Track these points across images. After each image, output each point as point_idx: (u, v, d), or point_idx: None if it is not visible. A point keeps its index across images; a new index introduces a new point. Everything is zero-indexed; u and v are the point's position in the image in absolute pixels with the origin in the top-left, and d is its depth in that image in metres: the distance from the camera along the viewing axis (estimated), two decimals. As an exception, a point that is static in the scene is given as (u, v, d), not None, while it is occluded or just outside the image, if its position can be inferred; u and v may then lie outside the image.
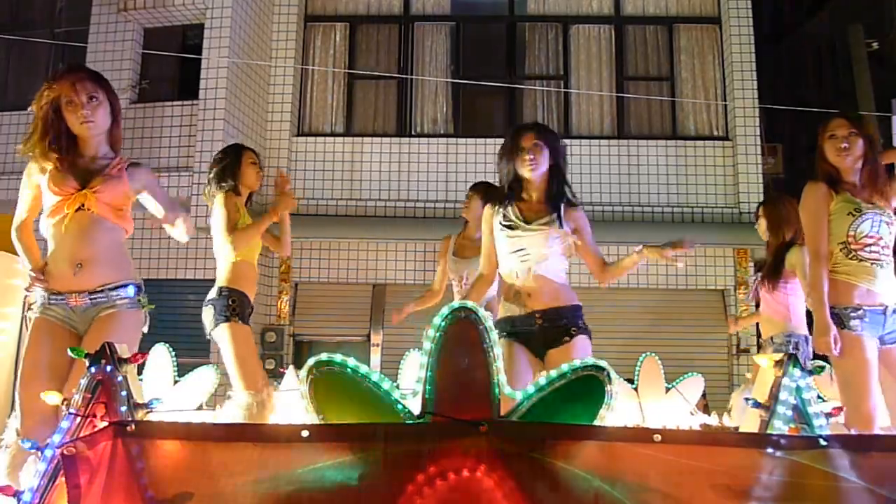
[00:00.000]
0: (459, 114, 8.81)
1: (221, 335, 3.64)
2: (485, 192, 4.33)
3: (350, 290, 8.40)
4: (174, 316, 7.64)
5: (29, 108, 2.85)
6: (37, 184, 2.85)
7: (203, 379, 4.49)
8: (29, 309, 2.83)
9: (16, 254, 2.90)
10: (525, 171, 3.14)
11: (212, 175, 3.92)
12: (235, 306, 3.65)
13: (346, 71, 8.83)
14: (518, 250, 3.13)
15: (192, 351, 7.25)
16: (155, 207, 3.04)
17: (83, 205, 2.76)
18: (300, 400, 3.72)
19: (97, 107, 2.81)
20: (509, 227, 3.15)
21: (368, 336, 8.24)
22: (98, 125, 2.83)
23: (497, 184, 3.42)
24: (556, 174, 3.18)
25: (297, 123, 8.79)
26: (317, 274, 8.37)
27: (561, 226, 3.12)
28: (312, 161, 8.57)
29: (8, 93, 8.94)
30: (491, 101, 9.16)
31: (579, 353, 2.97)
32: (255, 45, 8.38)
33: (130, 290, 2.81)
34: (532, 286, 3.10)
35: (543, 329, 3.05)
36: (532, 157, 3.11)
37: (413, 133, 8.73)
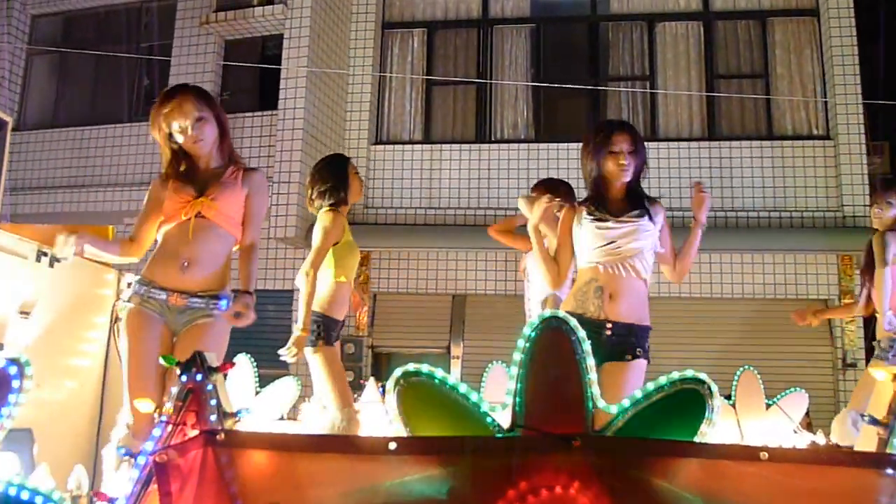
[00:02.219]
0: (540, 118, 8.77)
1: (310, 358, 3.87)
2: (547, 190, 4.25)
3: (429, 300, 8.45)
4: (254, 326, 7.85)
5: (149, 137, 3.06)
6: (158, 198, 2.99)
7: (284, 390, 4.57)
8: (118, 318, 2.97)
9: (108, 265, 3.04)
10: (617, 174, 3.17)
11: (320, 187, 3.94)
12: (321, 331, 3.82)
13: (425, 77, 8.92)
14: (608, 243, 3.11)
15: (273, 362, 7.44)
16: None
17: (199, 212, 2.90)
18: (381, 412, 3.78)
19: (204, 124, 2.95)
20: (599, 219, 3.15)
21: (448, 348, 8.26)
22: (207, 142, 2.98)
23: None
24: (640, 173, 3.25)
25: (375, 131, 8.92)
26: (395, 284, 8.46)
27: (650, 219, 3.15)
28: (391, 169, 8.69)
29: (96, 107, 9.41)
30: (573, 104, 9.07)
31: (634, 376, 2.97)
32: (333, 54, 8.57)
33: (224, 304, 2.92)
34: (616, 287, 3.06)
35: (609, 340, 3.03)
36: (627, 162, 3.15)
37: (493, 139, 8.74)
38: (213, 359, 1.77)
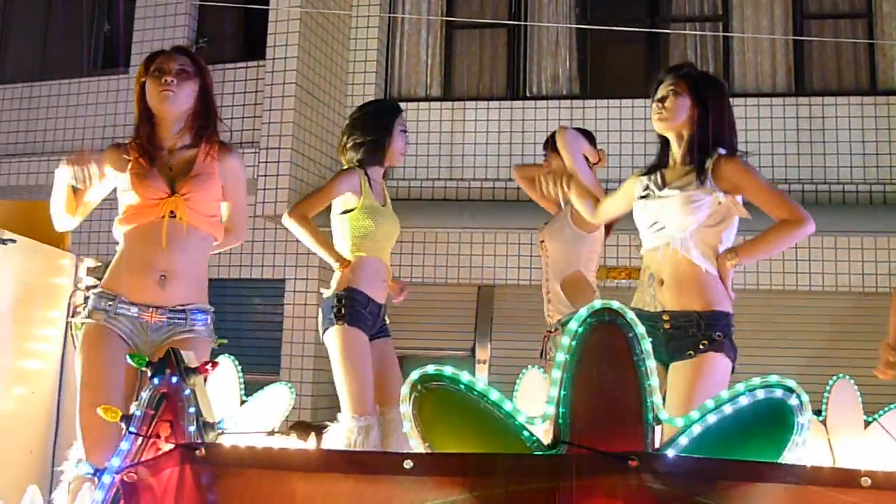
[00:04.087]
0: (587, 70, 8.71)
1: (326, 343, 3.86)
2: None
3: (451, 292, 8.46)
4: (237, 323, 7.92)
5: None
6: (115, 168, 3.02)
7: (275, 399, 4.60)
8: (76, 312, 3.00)
9: (61, 248, 3.04)
10: (656, 124, 3.18)
11: (357, 138, 3.97)
12: (342, 306, 3.80)
13: (444, 19, 8.89)
14: (652, 224, 3.12)
15: (260, 366, 7.52)
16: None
17: (173, 212, 2.91)
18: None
19: (185, 80, 2.97)
20: (644, 196, 3.19)
21: (473, 350, 8.28)
22: (180, 102, 2.97)
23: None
24: (702, 123, 3.11)
25: (385, 87, 8.91)
26: (409, 273, 8.47)
27: (703, 183, 3.04)
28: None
29: (47, 58, 9.46)
30: (627, 52, 9.01)
31: (700, 377, 2.90)
32: (333, -9, 8.56)
33: (207, 318, 2.98)
34: (667, 272, 3.06)
35: (668, 335, 3.02)
36: (661, 105, 3.12)
37: (528, 95, 8.70)
38: (191, 358, 1.78)
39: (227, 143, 3.16)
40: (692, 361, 2.95)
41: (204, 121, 3.06)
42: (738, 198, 3.09)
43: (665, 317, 3.04)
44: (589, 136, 4.19)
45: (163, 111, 2.99)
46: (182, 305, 2.92)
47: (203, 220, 2.99)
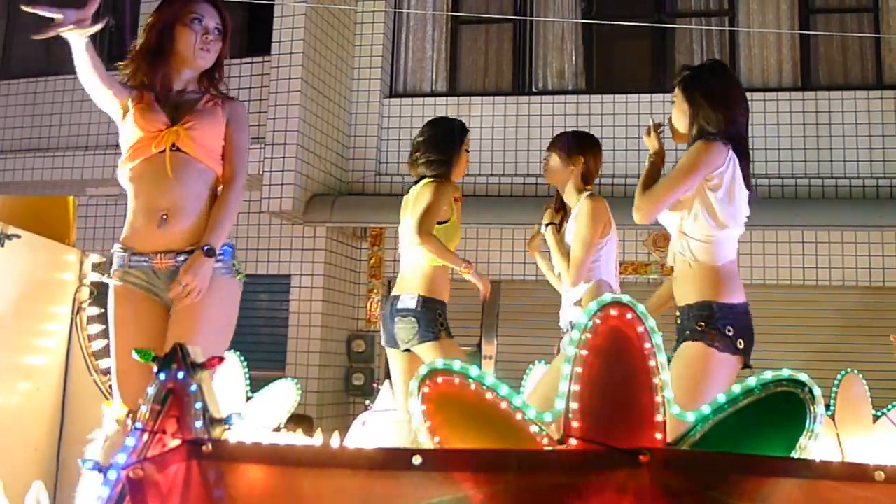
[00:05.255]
0: (593, 64, 8.70)
1: (424, 353, 3.96)
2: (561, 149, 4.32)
3: (456, 287, 8.40)
4: (243, 319, 7.89)
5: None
6: (117, 103, 2.94)
7: (281, 395, 4.61)
8: (81, 308, 2.98)
9: (66, 243, 3.02)
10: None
11: (430, 155, 4.18)
12: (442, 319, 4.04)
13: (450, 14, 8.87)
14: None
15: (266, 362, 7.51)
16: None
17: (174, 144, 2.85)
18: (402, 420, 3.78)
19: (219, 40, 2.99)
20: None
21: (479, 345, 8.27)
22: (207, 61, 2.98)
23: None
24: (692, 118, 3.16)
25: (390, 81, 8.91)
26: (414, 268, 8.46)
27: None
28: (408, 128, 8.66)
29: (52, 54, 9.46)
30: (633, 47, 8.98)
31: (676, 365, 2.91)
32: (338, -13, 8.54)
33: (227, 252, 2.90)
34: (676, 267, 3.15)
35: (677, 329, 3.09)
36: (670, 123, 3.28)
37: (534, 90, 8.69)
38: (198, 353, 1.76)
39: (226, 92, 3.15)
40: (676, 352, 3.00)
41: (214, 75, 3.06)
42: (724, 181, 3.03)
43: (677, 312, 3.11)
44: (590, 140, 4.19)
45: (192, 63, 2.98)
46: (191, 246, 2.84)
47: (205, 152, 2.93)
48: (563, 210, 4.19)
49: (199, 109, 2.95)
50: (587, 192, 4.01)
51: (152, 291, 2.86)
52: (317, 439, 4.55)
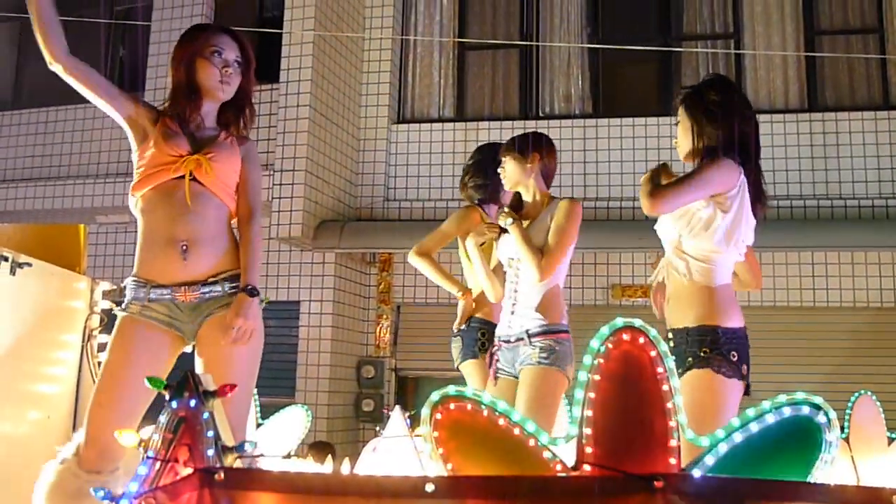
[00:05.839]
0: (599, 88, 8.72)
1: (469, 371, 4.08)
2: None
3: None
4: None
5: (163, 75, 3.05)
6: (139, 126, 2.96)
7: (292, 421, 4.59)
8: (91, 335, 2.96)
9: (77, 271, 3.02)
10: None
11: (477, 179, 4.38)
12: (486, 339, 4.04)
13: (456, 40, 8.91)
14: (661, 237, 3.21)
15: (275, 388, 7.50)
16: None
17: (191, 172, 2.83)
18: (410, 448, 3.75)
19: (239, 74, 2.98)
20: None
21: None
22: (227, 94, 2.98)
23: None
24: (697, 135, 3.15)
25: (398, 108, 8.94)
26: (423, 294, 8.45)
27: None
28: (416, 153, 8.69)
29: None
30: (639, 70, 9.02)
31: (686, 394, 2.84)
32: (346, 14, 8.61)
33: None
34: (669, 288, 3.08)
35: (673, 353, 2.96)
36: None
37: (540, 115, 8.72)
38: (210, 381, 1.76)
39: (246, 135, 3.14)
40: (682, 380, 2.88)
41: (235, 111, 3.05)
42: (734, 205, 2.97)
43: (669, 335, 3.02)
44: (542, 137, 4.13)
45: (213, 96, 2.97)
46: (214, 276, 2.83)
47: (221, 186, 2.91)
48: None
49: (220, 143, 2.95)
50: (568, 197, 3.87)
51: (174, 325, 2.82)
52: (327, 466, 4.53)
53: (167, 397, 1.73)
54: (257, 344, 2.86)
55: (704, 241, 2.97)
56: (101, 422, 2.69)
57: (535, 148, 3.88)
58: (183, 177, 2.82)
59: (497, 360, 3.76)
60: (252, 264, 2.87)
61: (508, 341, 3.71)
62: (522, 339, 3.62)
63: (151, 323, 2.80)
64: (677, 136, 3.22)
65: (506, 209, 3.86)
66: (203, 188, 2.86)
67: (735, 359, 2.89)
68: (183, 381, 1.73)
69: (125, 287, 2.89)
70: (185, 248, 2.78)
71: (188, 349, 2.91)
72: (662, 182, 3.04)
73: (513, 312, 3.74)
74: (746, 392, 2.94)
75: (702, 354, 2.89)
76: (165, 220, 2.82)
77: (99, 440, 2.68)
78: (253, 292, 2.79)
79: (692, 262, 3.00)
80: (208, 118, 3.01)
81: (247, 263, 2.87)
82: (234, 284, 2.84)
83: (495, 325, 3.94)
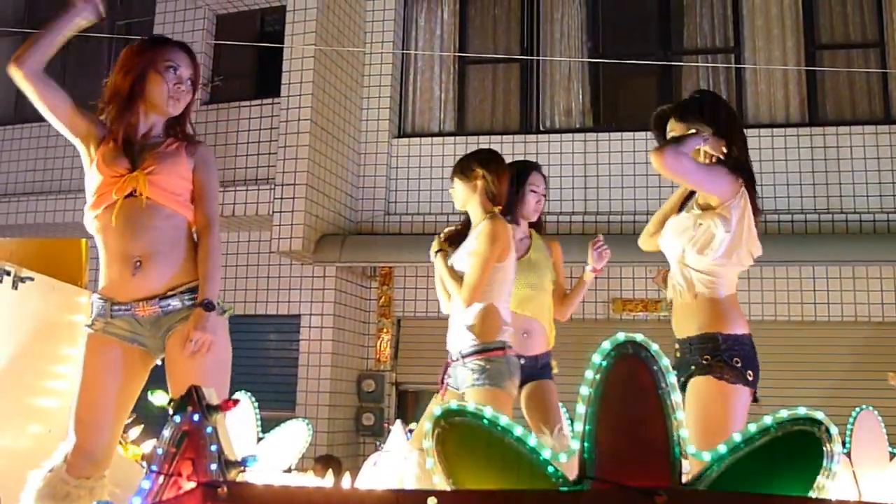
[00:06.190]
0: (599, 103, 8.75)
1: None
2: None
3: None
4: (252, 360, 7.91)
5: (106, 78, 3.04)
6: (89, 125, 2.99)
7: (292, 435, 4.59)
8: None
9: (78, 285, 3.03)
10: None
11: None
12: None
13: (457, 55, 8.95)
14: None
15: (276, 402, 7.50)
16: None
17: (135, 190, 2.83)
18: (412, 463, 3.74)
19: (190, 91, 2.99)
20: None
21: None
22: (176, 110, 2.98)
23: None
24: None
25: (398, 122, 8.97)
26: (424, 308, 8.46)
27: (690, 208, 3.16)
28: (417, 167, 8.72)
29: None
30: (640, 85, 9.05)
31: (688, 402, 2.86)
32: (347, 29, 8.64)
33: None
34: (675, 298, 3.11)
35: (677, 363, 3.01)
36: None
37: (541, 129, 8.74)
38: (213, 395, 1.77)
39: (193, 136, 3.11)
40: (686, 391, 2.92)
41: (180, 122, 3.05)
42: (734, 216, 3.00)
43: (676, 345, 3.05)
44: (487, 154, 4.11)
45: (161, 110, 2.97)
46: (172, 290, 2.83)
47: (167, 196, 2.89)
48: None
49: (161, 153, 2.92)
50: (490, 214, 3.75)
51: (137, 341, 2.85)
52: (328, 479, 4.53)
53: (170, 412, 1.74)
54: (222, 356, 2.85)
55: (707, 255, 3.00)
56: (86, 432, 2.78)
57: (478, 164, 3.80)
58: (130, 194, 2.84)
59: (448, 376, 3.73)
60: (209, 277, 2.86)
61: (455, 359, 3.66)
62: (458, 359, 3.58)
63: (114, 339, 2.84)
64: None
65: (439, 236, 3.92)
66: (150, 202, 2.86)
67: (738, 364, 2.89)
68: (186, 395, 1.74)
69: (92, 303, 2.93)
70: (138, 264, 2.80)
71: (159, 362, 2.94)
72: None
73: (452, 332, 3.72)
74: (754, 399, 2.95)
75: (703, 362, 2.91)
76: (117, 237, 2.84)
77: (84, 448, 2.76)
78: (209, 306, 2.79)
79: (696, 275, 3.02)
80: (155, 128, 3.01)
81: (204, 276, 2.87)
82: (192, 297, 2.85)
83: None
